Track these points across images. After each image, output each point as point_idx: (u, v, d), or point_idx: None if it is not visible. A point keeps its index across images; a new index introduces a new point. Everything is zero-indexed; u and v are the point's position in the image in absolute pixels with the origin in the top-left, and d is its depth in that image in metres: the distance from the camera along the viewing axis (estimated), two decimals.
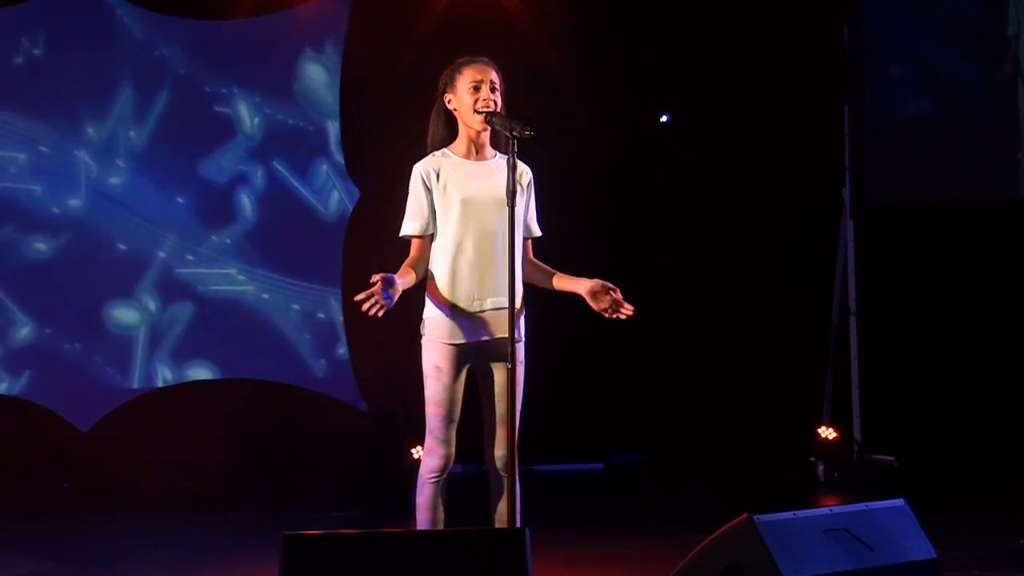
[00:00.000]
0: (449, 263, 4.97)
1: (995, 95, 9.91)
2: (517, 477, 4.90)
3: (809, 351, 9.92)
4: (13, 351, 8.90)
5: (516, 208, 4.85)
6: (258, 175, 9.43)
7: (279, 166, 9.47)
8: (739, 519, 4.39)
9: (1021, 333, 9.79)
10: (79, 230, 9.03)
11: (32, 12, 8.93)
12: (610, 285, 4.97)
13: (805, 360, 9.90)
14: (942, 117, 9.91)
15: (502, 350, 4.88)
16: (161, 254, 9.21)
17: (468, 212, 4.96)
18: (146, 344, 9.19)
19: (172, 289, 9.23)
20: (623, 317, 4.92)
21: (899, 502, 4.83)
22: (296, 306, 9.49)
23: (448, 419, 4.97)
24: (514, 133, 4.80)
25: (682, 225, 9.86)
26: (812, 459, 9.44)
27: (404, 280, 4.89)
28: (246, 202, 9.41)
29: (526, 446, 5.10)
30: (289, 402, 9.39)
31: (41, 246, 8.97)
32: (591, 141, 9.62)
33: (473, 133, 5.03)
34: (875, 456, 9.68)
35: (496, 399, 4.99)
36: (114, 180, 9.13)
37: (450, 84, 5.05)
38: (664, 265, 9.85)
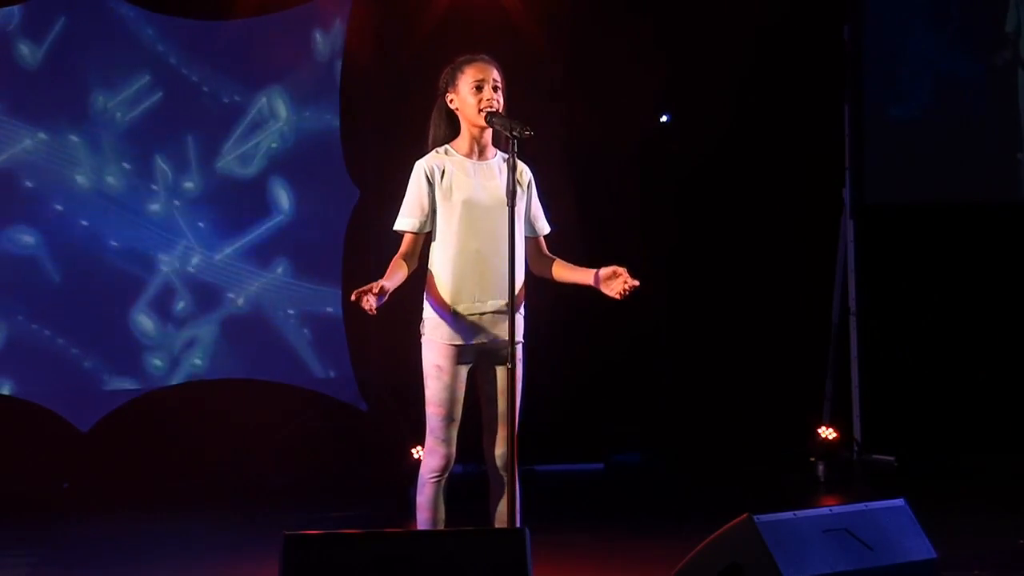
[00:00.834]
0: (450, 263, 4.97)
1: (995, 95, 9.91)
2: (517, 477, 4.90)
3: (809, 351, 9.92)
4: (13, 351, 8.89)
5: (516, 208, 4.86)
6: (258, 175, 9.43)
7: (278, 166, 9.46)
8: (739, 519, 4.39)
9: (1021, 333, 9.79)
10: (78, 229, 9.02)
11: (32, 12, 8.92)
12: (618, 269, 4.94)
13: (805, 360, 9.90)
14: (942, 117, 9.91)
15: (502, 351, 4.88)
16: (162, 255, 9.20)
17: (470, 213, 4.96)
18: (146, 344, 9.18)
19: (172, 289, 9.23)
20: (630, 290, 4.89)
21: (899, 502, 4.83)
22: (296, 306, 9.49)
23: (449, 419, 4.97)
24: (514, 133, 4.81)
25: (682, 225, 9.86)
26: (812, 459, 9.44)
27: (394, 280, 4.89)
28: (246, 202, 9.40)
29: (526, 446, 5.10)
30: (289, 402, 9.39)
31: (41, 246, 8.96)
32: (591, 141, 9.62)
33: (476, 132, 5.03)
34: (875, 456, 9.68)
35: (496, 399, 4.99)
36: (114, 180, 9.12)
37: (452, 83, 5.05)
38: (664, 265, 9.84)
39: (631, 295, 4.88)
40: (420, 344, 5.03)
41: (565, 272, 5.13)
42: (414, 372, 5.08)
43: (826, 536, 4.50)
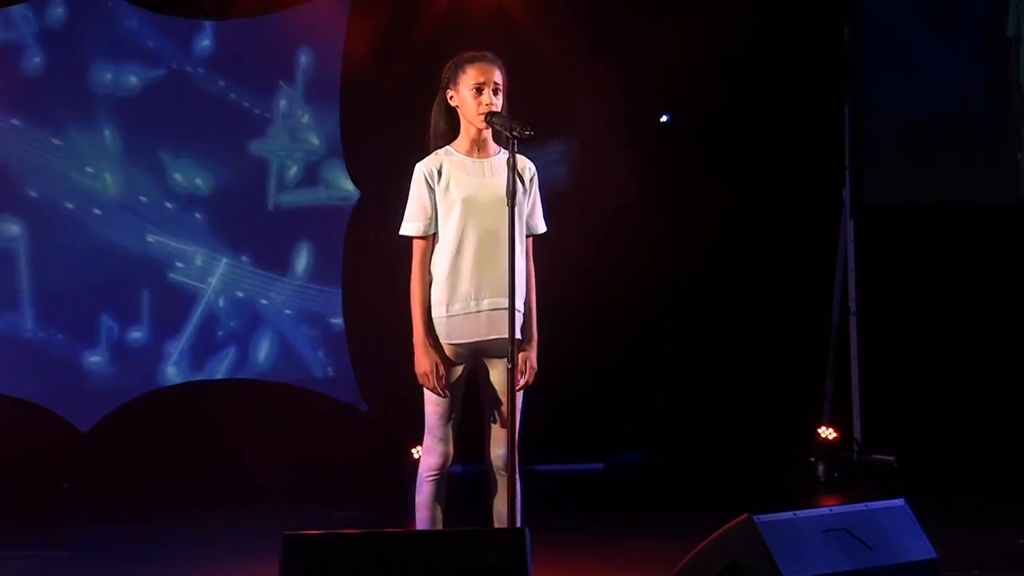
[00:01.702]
0: (449, 262, 4.96)
1: (995, 95, 9.91)
2: (517, 477, 4.91)
3: (809, 351, 9.91)
4: (13, 351, 8.89)
5: (517, 207, 4.86)
6: (258, 175, 9.42)
7: (279, 166, 9.46)
8: (739, 519, 4.40)
9: (1021, 333, 9.78)
10: (78, 229, 9.02)
11: (32, 11, 8.92)
12: (520, 367, 4.89)
13: (805, 360, 9.90)
14: (942, 117, 9.91)
15: (502, 349, 4.88)
16: (162, 254, 9.19)
17: (470, 211, 4.96)
18: (146, 344, 9.18)
19: (172, 289, 9.22)
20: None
21: (899, 502, 4.83)
22: (296, 306, 9.49)
23: (447, 417, 4.97)
24: (514, 133, 4.81)
25: (682, 225, 9.86)
26: (812, 459, 9.44)
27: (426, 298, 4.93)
28: (246, 202, 9.40)
29: (526, 446, 5.10)
30: (289, 402, 9.39)
31: (39, 245, 8.96)
32: (591, 140, 9.61)
33: (475, 132, 5.03)
34: (875, 456, 9.68)
35: (496, 399, 4.99)
36: (114, 180, 9.12)
37: (453, 80, 5.04)
38: (664, 264, 9.84)
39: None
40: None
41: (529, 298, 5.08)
42: (414, 372, 5.08)
43: (826, 536, 4.50)
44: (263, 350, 9.42)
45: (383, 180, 8.91)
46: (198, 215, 9.29)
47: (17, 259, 8.94)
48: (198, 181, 9.29)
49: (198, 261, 9.28)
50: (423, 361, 4.91)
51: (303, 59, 9.48)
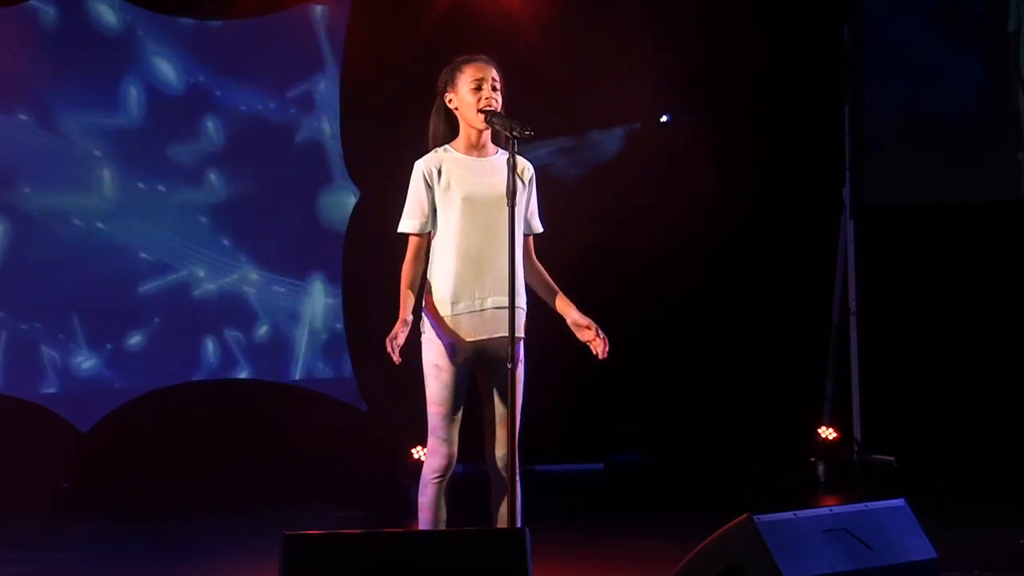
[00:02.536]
0: (449, 261, 4.96)
1: (995, 95, 9.92)
2: (517, 477, 4.90)
3: (809, 351, 9.92)
4: (14, 351, 8.89)
5: (517, 207, 4.86)
6: (258, 175, 9.42)
7: (279, 166, 9.46)
8: (739, 519, 4.39)
9: (1021, 333, 9.79)
10: (77, 228, 9.02)
11: (32, 12, 8.91)
12: (590, 324, 5.00)
13: (805, 360, 9.90)
14: (942, 117, 9.91)
15: (502, 349, 4.88)
16: (162, 254, 9.19)
17: (470, 210, 4.96)
18: (146, 344, 9.18)
19: (172, 289, 9.22)
20: (595, 353, 5.00)
21: (899, 502, 4.83)
22: (296, 306, 9.49)
23: (449, 418, 4.96)
24: (514, 133, 4.81)
25: (682, 225, 9.85)
26: (812, 459, 9.44)
27: (409, 303, 4.92)
28: (246, 202, 9.40)
29: (526, 446, 5.10)
30: (289, 402, 9.39)
31: (38, 245, 8.96)
32: (591, 140, 9.62)
33: (474, 132, 5.03)
34: (875, 456, 9.68)
35: (496, 399, 4.99)
36: (114, 180, 9.12)
37: (450, 83, 5.05)
38: (664, 265, 9.84)
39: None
40: (420, 344, 5.03)
41: (540, 286, 5.12)
42: (414, 372, 5.08)
43: (826, 536, 4.50)
44: (263, 350, 9.42)
45: (383, 180, 8.91)
46: (200, 215, 9.29)
47: (16, 259, 8.94)
48: (198, 181, 9.29)
49: (198, 261, 9.28)
50: (393, 329, 4.89)
51: (303, 59, 9.48)
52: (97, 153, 9.08)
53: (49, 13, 8.94)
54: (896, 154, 9.91)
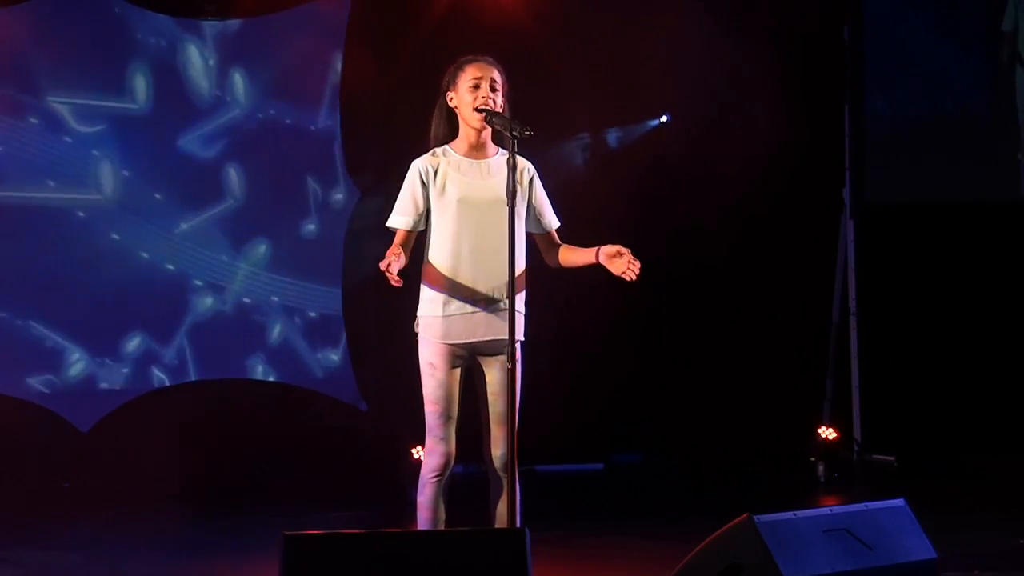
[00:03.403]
0: (445, 262, 4.97)
1: (995, 95, 9.92)
2: (517, 477, 4.91)
3: (809, 351, 9.92)
4: (14, 351, 8.89)
5: (516, 208, 4.86)
6: (258, 175, 9.42)
7: (279, 166, 9.46)
8: (739, 519, 4.39)
9: (1021, 333, 9.79)
10: (76, 229, 9.02)
11: (33, 12, 8.92)
12: (620, 250, 4.97)
13: (805, 360, 9.90)
14: (942, 117, 9.91)
15: (498, 349, 4.88)
16: (162, 254, 9.19)
17: (466, 211, 4.97)
18: (146, 344, 9.18)
19: (172, 289, 9.22)
20: (635, 276, 4.93)
21: (899, 502, 4.83)
22: (296, 306, 9.49)
23: (446, 416, 4.97)
24: (514, 133, 4.81)
25: (682, 225, 9.86)
26: (812, 459, 9.44)
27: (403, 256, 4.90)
28: (246, 201, 9.40)
29: (526, 446, 5.10)
30: (289, 402, 9.39)
31: (38, 245, 8.96)
32: (591, 140, 9.62)
33: (473, 132, 5.04)
34: (875, 456, 9.68)
35: (494, 399, 4.99)
36: (114, 180, 9.11)
37: (452, 82, 5.06)
38: (664, 265, 9.84)
39: (638, 277, 4.91)
40: (417, 343, 5.04)
41: (570, 255, 5.17)
42: (414, 372, 5.08)
43: (826, 536, 4.50)
44: (263, 350, 9.42)
45: (383, 180, 8.91)
46: (200, 215, 9.29)
47: (15, 260, 8.94)
48: (198, 180, 9.29)
49: (200, 261, 9.28)
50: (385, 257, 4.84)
51: (303, 59, 9.48)
52: (98, 152, 9.07)
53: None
54: (896, 154, 9.91)
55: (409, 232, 5.02)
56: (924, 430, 9.62)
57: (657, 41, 9.59)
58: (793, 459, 9.49)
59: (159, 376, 9.22)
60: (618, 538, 7.26)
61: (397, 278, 4.77)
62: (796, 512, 4.52)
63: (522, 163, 5.01)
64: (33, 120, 8.90)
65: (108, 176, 9.10)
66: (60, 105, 8.97)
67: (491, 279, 4.94)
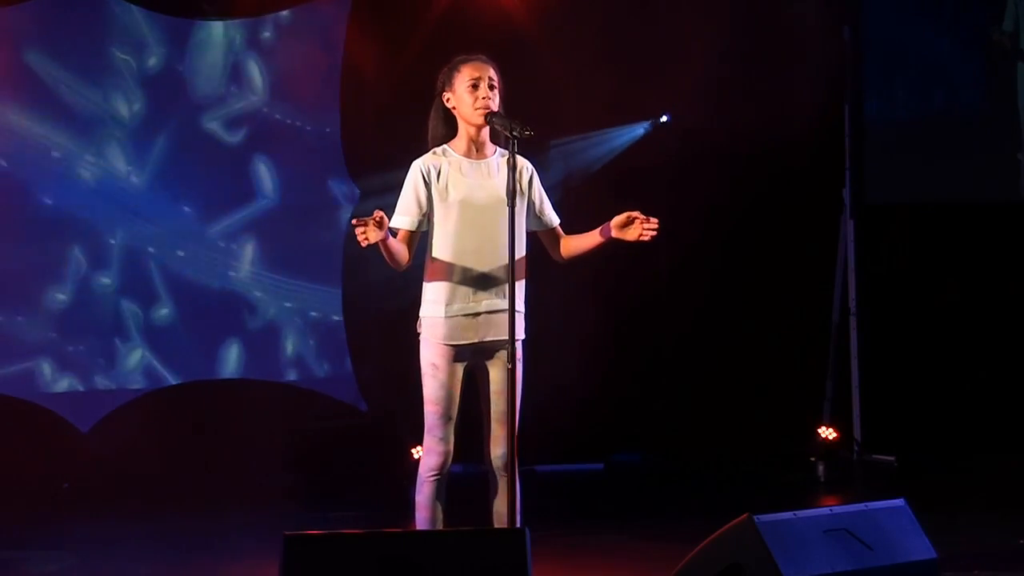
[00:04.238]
0: (447, 263, 4.97)
1: (995, 95, 9.91)
2: (517, 477, 4.91)
3: (809, 351, 9.92)
4: (13, 351, 8.89)
5: (516, 208, 4.86)
6: (258, 175, 9.43)
7: (279, 166, 9.46)
8: (739, 519, 4.39)
9: (1021, 333, 9.79)
10: (76, 229, 9.02)
11: (32, 12, 8.92)
12: (632, 213, 4.95)
13: (805, 360, 9.90)
14: (942, 117, 9.91)
15: (500, 350, 4.88)
16: (162, 254, 9.20)
17: (467, 212, 4.97)
18: (146, 344, 9.18)
19: (173, 289, 9.22)
20: (653, 234, 4.99)
21: (899, 502, 4.83)
22: (296, 306, 9.49)
23: (446, 417, 4.97)
24: (514, 133, 4.81)
25: (682, 225, 9.84)
26: (812, 459, 9.44)
27: (395, 242, 4.88)
28: (246, 202, 9.40)
29: (526, 446, 5.10)
30: (289, 402, 9.39)
31: (37, 245, 8.96)
32: (591, 141, 9.61)
33: (473, 131, 5.04)
34: (875, 456, 9.68)
35: (495, 398, 4.99)
36: (113, 180, 9.11)
37: (448, 83, 5.06)
38: (664, 265, 9.84)
39: (646, 243, 4.92)
40: (419, 344, 5.03)
41: (577, 242, 5.19)
42: (414, 372, 5.08)
43: (826, 536, 4.50)
44: (263, 350, 9.42)
45: (383, 180, 8.90)
46: (200, 215, 9.29)
47: (15, 260, 8.93)
48: (198, 180, 9.29)
49: (200, 261, 9.28)
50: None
51: (303, 59, 9.48)
52: (91, 157, 9.06)
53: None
54: (896, 154, 9.90)
55: (412, 232, 5.01)
56: (924, 430, 9.62)
57: (657, 41, 9.58)
58: (793, 459, 9.49)
59: (159, 376, 9.21)
60: (618, 538, 7.26)
61: (364, 237, 4.72)
62: (796, 512, 4.52)
63: (521, 162, 5.01)
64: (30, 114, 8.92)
65: (110, 175, 9.10)
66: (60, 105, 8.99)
67: (494, 279, 4.94)
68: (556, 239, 5.20)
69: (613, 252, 9.48)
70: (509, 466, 4.88)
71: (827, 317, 9.94)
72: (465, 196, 4.97)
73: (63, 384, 8.99)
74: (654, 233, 4.97)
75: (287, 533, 3.97)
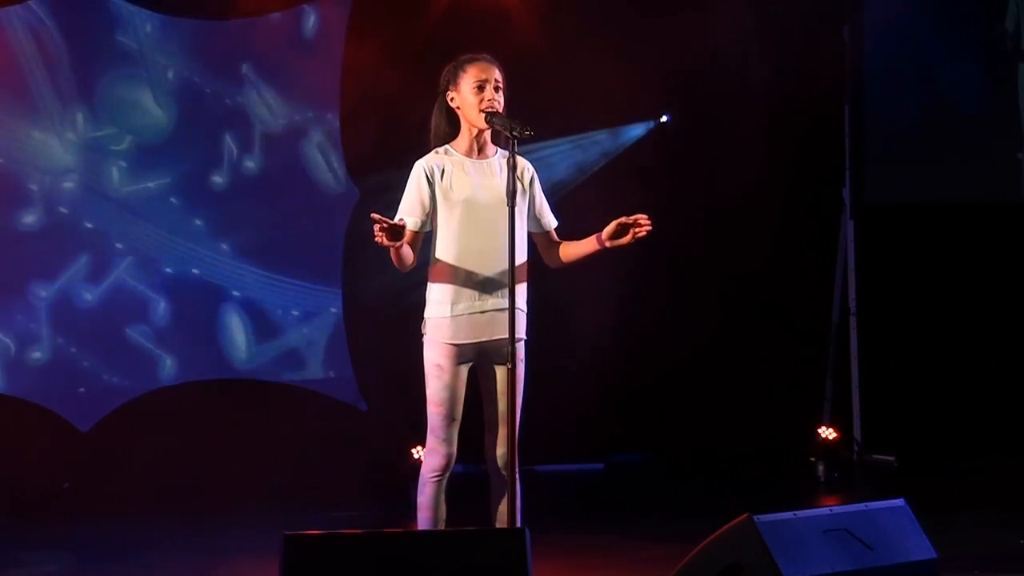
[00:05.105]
0: (450, 263, 4.97)
1: (995, 95, 9.92)
2: (517, 477, 4.91)
3: (809, 351, 9.92)
4: (14, 351, 8.89)
5: (516, 208, 4.86)
6: (258, 175, 9.42)
7: (279, 166, 9.45)
8: (739, 519, 4.39)
9: (1021, 333, 9.79)
10: (76, 228, 9.02)
11: (33, 12, 8.92)
12: (620, 220, 4.97)
13: (805, 360, 9.90)
14: (943, 117, 9.91)
15: (503, 350, 4.88)
16: (162, 254, 9.19)
17: (470, 212, 4.97)
18: (146, 344, 9.18)
19: (173, 289, 9.22)
20: (648, 230, 5.01)
21: (899, 502, 4.83)
22: (296, 306, 9.49)
23: (449, 418, 4.97)
24: (514, 133, 4.81)
25: (682, 225, 9.85)
26: (812, 459, 9.44)
27: (404, 246, 4.88)
28: (247, 201, 9.40)
29: (526, 446, 5.10)
30: (289, 402, 9.39)
31: (37, 245, 8.96)
32: (591, 140, 9.62)
33: (476, 131, 5.04)
34: (875, 456, 9.68)
35: (496, 398, 4.99)
36: (112, 180, 9.11)
37: (453, 81, 5.05)
38: (664, 265, 9.84)
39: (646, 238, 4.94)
40: (421, 344, 5.03)
41: (571, 249, 5.18)
42: (414, 372, 5.08)
43: (826, 536, 4.50)
44: (263, 350, 9.42)
45: (383, 180, 8.90)
46: (200, 215, 9.29)
47: (15, 260, 8.93)
48: (198, 180, 9.29)
49: (200, 261, 9.28)
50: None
51: (303, 59, 9.48)
52: (97, 154, 9.07)
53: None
54: (896, 154, 9.91)
55: (416, 232, 5.01)
56: (924, 430, 9.62)
57: (657, 41, 9.58)
58: (793, 459, 9.49)
59: (159, 376, 9.21)
60: (618, 538, 7.26)
61: (381, 236, 4.72)
62: (796, 512, 4.52)
63: (522, 163, 5.01)
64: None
65: (111, 173, 9.10)
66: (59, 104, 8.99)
67: (497, 279, 4.94)
68: (551, 243, 5.19)
69: (613, 252, 9.51)
70: (510, 466, 4.88)
71: (827, 317, 9.95)
72: (469, 196, 4.97)
73: (63, 384, 8.98)
74: (648, 229, 4.96)
75: (287, 533, 3.97)
